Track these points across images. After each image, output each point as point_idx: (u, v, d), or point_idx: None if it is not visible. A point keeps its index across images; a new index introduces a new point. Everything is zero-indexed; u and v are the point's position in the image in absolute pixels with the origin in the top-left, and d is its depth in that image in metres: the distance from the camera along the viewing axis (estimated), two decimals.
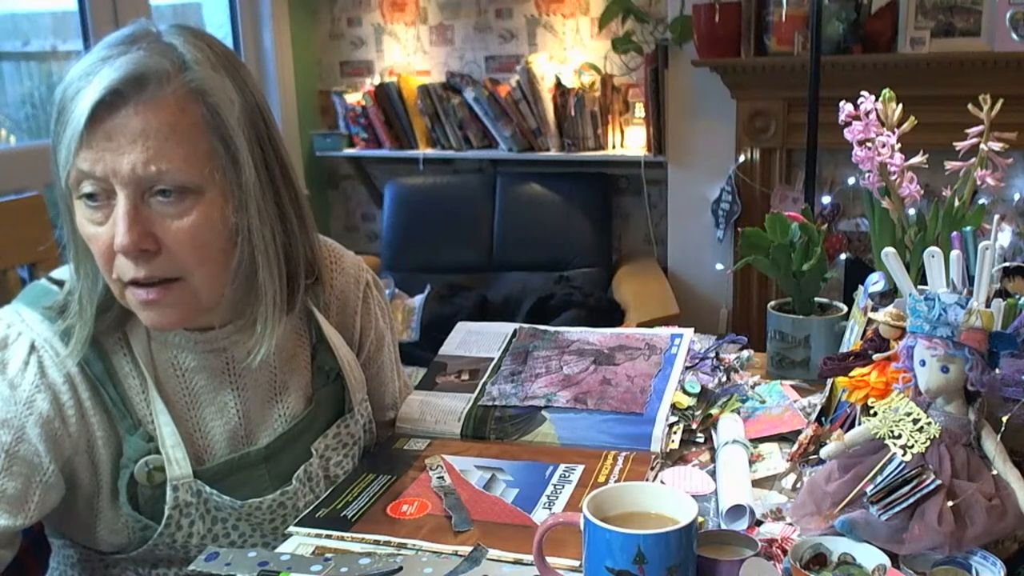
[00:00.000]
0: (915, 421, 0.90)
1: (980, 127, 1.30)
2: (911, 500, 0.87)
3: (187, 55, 0.95)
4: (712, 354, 1.35)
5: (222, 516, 1.06)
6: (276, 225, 1.03)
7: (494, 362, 1.39)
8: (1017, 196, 3.13)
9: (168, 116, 0.93)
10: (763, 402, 1.31)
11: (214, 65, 0.97)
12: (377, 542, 0.99)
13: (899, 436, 0.90)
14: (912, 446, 0.89)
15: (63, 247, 1.03)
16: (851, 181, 2.80)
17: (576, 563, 0.90)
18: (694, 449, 1.21)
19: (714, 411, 1.25)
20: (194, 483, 1.04)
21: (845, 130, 1.30)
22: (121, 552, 1.07)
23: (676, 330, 1.42)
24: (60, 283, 1.06)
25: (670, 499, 0.87)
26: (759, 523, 1.01)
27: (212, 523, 1.06)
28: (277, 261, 1.03)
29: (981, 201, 1.34)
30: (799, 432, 1.17)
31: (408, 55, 3.93)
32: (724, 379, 1.33)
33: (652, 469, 1.13)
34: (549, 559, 0.89)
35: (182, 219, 0.95)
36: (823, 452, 0.97)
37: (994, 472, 0.88)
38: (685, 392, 1.25)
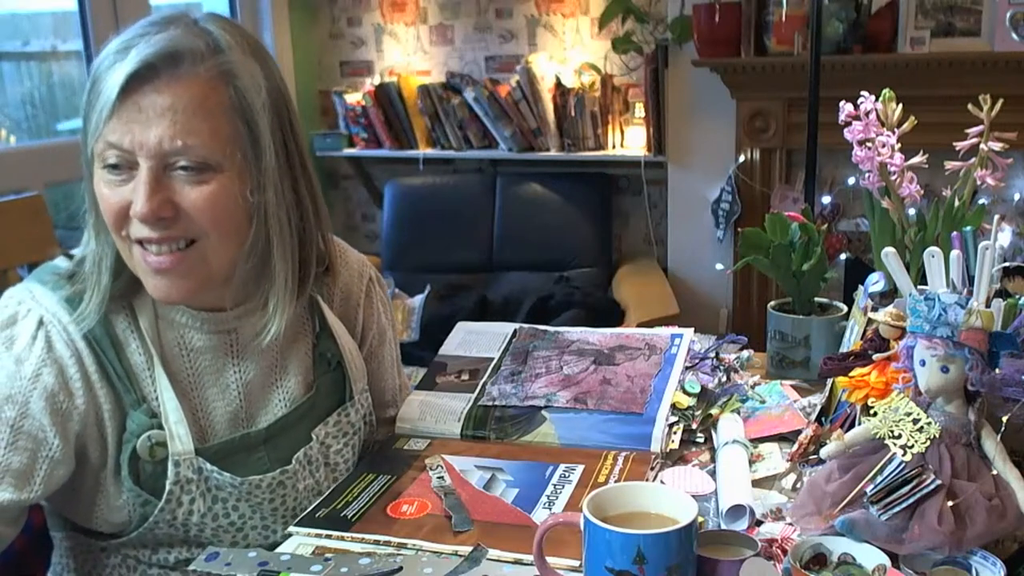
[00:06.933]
0: (915, 421, 0.90)
1: (980, 127, 1.30)
2: (911, 500, 0.87)
3: (221, 40, 0.99)
4: (712, 354, 1.35)
5: (222, 495, 1.07)
6: (292, 210, 1.05)
7: (494, 362, 1.39)
8: (1017, 196, 3.13)
9: (197, 93, 0.96)
10: (763, 402, 1.31)
11: (245, 51, 1.00)
12: (377, 542, 0.99)
13: (899, 436, 0.90)
14: (912, 446, 0.89)
15: (83, 213, 1.05)
16: (851, 181, 2.80)
17: (576, 563, 0.90)
18: (694, 449, 1.21)
19: (714, 411, 1.25)
20: (195, 459, 1.04)
21: (845, 130, 1.30)
22: (121, 534, 1.08)
23: (676, 330, 1.42)
24: (72, 257, 1.08)
25: (670, 499, 0.87)
26: (759, 523, 1.01)
27: (212, 502, 1.06)
28: (292, 244, 1.05)
29: (981, 201, 1.34)
30: (799, 432, 1.17)
31: (408, 55, 3.93)
32: (724, 379, 1.33)
33: (652, 469, 1.13)
34: (549, 559, 0.89)
35: (201, 187, 0.98)
36: (823, 452, 0.97)
37: (994, 472, 0.88)
38: (685, 392, 1.25)
